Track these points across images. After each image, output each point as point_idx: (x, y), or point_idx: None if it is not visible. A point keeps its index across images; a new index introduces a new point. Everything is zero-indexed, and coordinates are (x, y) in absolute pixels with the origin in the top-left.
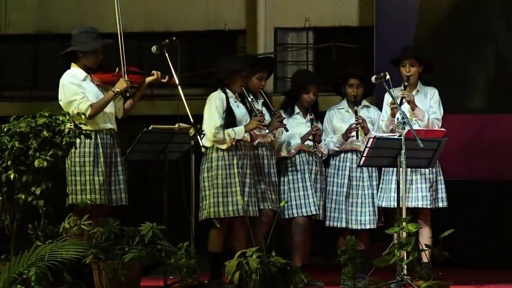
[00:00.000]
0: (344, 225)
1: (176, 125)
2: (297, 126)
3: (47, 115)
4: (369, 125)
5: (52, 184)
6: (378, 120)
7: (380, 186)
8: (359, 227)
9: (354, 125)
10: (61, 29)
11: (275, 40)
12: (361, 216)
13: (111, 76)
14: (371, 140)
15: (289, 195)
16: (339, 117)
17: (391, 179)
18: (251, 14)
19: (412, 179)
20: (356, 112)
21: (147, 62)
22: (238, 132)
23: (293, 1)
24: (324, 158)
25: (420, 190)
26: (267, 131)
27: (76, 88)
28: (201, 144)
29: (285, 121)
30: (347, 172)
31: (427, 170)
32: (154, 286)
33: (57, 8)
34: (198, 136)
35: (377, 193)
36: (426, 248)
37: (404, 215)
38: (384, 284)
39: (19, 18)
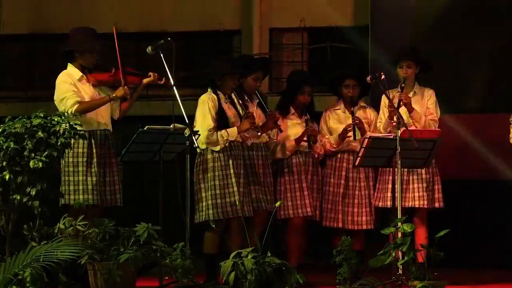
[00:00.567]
0: (340, 225)
1: (171, 126)
2: (292, 127)
3: (42, 115)
4: (366, 126)
5: (47, 185)
6: (375, 120)
7: (377, 186)
8: (355, 228)
9: (350, 126)
10: (56, 29)
11: (270, 41)
12: (357, 216)
13: (107, 76)
14: (366, 140)
15: (285, 195)
16: (336, 118)
17: (388, 179)
18: (246, 15)
19: (409, 179)
20: (352, 113)
21: (142, 62)
22: (231, 133)
23: (288, 1)
24: (320, 158)
25: (417, 190)
26: (259, 133)
27: (68, 86)
28: (196, 145)
29: (279, 122)
30: (343, 173)
31: (423, 170)
32: (150, 286)
33: (52, 8)
34: (193, 137)
35: (373, 193)
36: (422, 248)
37: (399, 215)
38: (380, 284)
39: (14, 18)
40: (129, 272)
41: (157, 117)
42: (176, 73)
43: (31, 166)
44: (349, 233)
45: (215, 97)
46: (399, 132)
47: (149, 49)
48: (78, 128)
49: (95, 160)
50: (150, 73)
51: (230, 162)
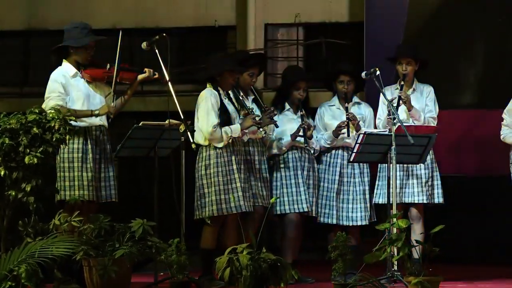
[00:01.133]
0: (335, 221)
1: (167, 121)
2: (288, 123)
3: (37, 111)
4: (361, 122)
5: (42, 181)
6: (369, 116)
7: (377, 183)
8: (350, 224)
9: (345, 122)
10: (51, 25)
11: (265, 36)
12: (352, 212)
13: (101, 72)
14: (361, 136)
15: (281, 191)
16: (330, 114)
17: (387, 176)
18: (241, 10)
19: (408, 175)
20: (346, 109)
21: (137, 58)
22: (235, 130)
23: None
24: (316, 154)
25: (416, 185)
26: (261, 129)
27: (56, 86)
28: (192, 140)
29: (275, 118)
30: (338, 169)
31: (422, 165)
32: (145, 282)
33: (47, 4)
34: (189, 133)
35: (369, 189)
36: (417, 244)
37: (395, 211)
38: (375, 280)
39: (9, 14)
40: (124, 268)
41: (152, 113)
42: (171, 69)
43: (26, 162)
44: (344, 229)
45: (216, 93)
46: (394, 128)
47: (144, 45)
48: (74, 123)
49: (90, 156)
50: (145, 69)
51: (233, 158)
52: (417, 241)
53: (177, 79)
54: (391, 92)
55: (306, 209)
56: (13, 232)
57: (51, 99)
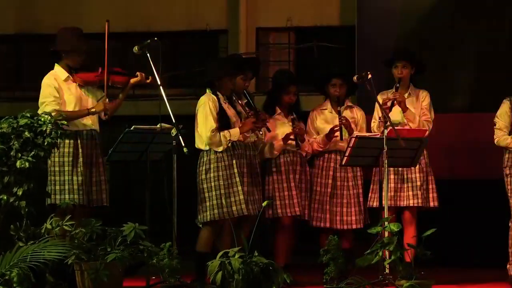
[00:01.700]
0: (328, 225)
1: (158, 125)
2: (279, 127)
3: (29, 115)
4: (353, 125)
5: (34, 185)
6: (361, 120)
7: (371, 186)
8: (344, 227)
9: (337, 126)
10: (43, 29)
11: (257, 40)
12: (346, 216)
13: (93, 76)
14: (353, 139)
15: (274, 195)
16: (323, 118)
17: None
18: (233, 14)
19: (403, 179)
20: (339, 113)
21: (129, 62)
22: (234, 133)
23: (274, 1)
24: (308, 157)
25: (411, 189)
26: (260, 132)
27: (50, 91)
28: (183, 144)
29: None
30: (331, 173)
31: (417, 169)
32: (137, 286)
33: (39, 8)
34: (180, 137)
35: (362, 193)
36: (409, 248)
37: (386, 214)
38: (367, 283)
39: (0, 18)
40: (116, 272)
41: (143, 117)
42: (162, 73)
43: (18, 166)
44: (337, 233)
45: (215, 98)
46: (386, 132)
47: (135, 49)
48: (65, 128)
49: (81, 160)
50: (137, 73)
51: (234, 161)
52: (409, 245)
53: (169, 83)
54: (387, 96)
55: (298, 213)
56: (5, 236)
57: (47, 104)
